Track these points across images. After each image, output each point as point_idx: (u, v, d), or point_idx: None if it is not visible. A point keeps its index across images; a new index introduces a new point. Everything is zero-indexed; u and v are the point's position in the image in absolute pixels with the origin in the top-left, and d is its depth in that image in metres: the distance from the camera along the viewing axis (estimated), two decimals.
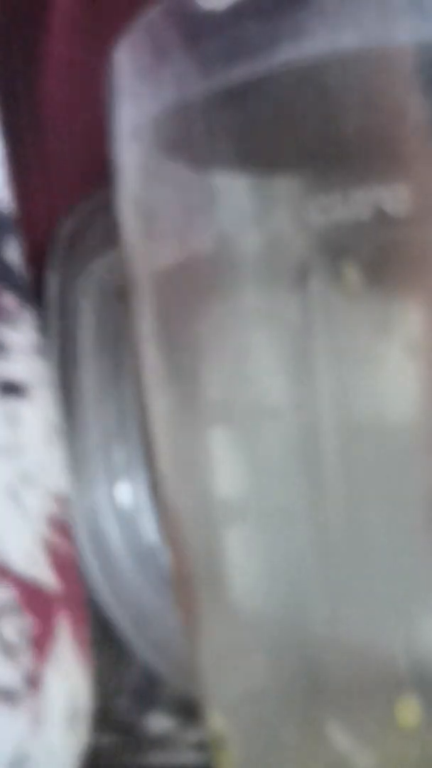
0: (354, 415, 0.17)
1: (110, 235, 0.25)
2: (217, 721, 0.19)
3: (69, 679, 0.22)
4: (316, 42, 0.16)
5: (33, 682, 0.21)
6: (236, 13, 0.17)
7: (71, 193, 0.28)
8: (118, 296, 0.22)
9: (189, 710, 0.28)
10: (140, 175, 0.19)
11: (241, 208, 0.17)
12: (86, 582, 0.27)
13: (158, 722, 0.28)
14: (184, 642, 0.21)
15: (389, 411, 0.17)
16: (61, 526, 0.22)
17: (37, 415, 0.22)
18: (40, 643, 0.21)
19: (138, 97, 0.18)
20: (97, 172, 0.20)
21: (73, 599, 0.23)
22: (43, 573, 0.21)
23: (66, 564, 0.22)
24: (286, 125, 0.17)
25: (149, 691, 0.29)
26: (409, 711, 0.17)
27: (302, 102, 0.16)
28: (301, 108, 0.16)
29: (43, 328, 0.27)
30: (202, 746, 0.26)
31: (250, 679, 0.19)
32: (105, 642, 0.32)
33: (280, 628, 0.18)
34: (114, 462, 0.27)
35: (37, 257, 0.27)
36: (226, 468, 0.18)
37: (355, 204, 0.16)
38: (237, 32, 0.17)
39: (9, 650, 0.20)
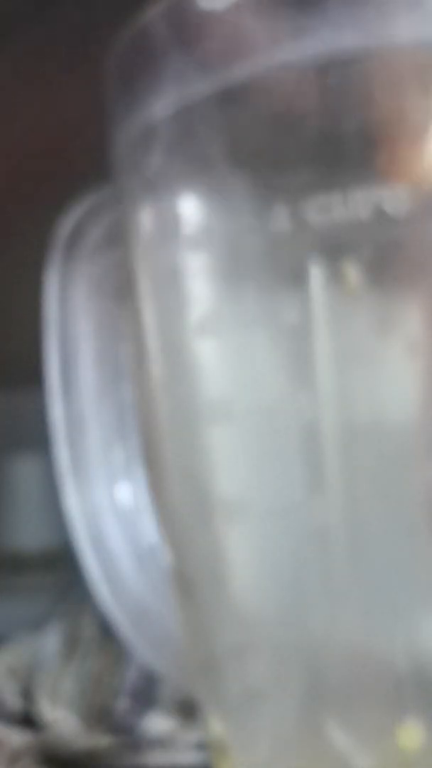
0: (354, 415, 0.17)
1: (110, 235, 0.25)
2: (217, 725, 0.19)
3: None
4: (316, 42, 0.16)
5: None
6: (236, 13, 0.17)
7: None
8: (118, 296, 0.22)
9: (189, 710, 0.28)
10: (140, 174, 0.19)
11: (242, 207, 0.17)
12: (86, 582, 0.26)
13: (158, 722, 0.28)
14: (184, 642, 0.21)
15: (389, 410, 0.17)
16: None
17: None
18: None
19: (137, 97, 0.18)
20: None
21: None
22: None
23: None
24: (286, 125, 0.17)
25: (149, 691, 0.29)
26: (410, 735, 0.17)
27: (302, 102, 0.16)
28: (301, 108, 0.16)
29: (44, 328, 0.27)
30: (202, 746, 0.26)
31: (250, 679, 0.19)
32: (105, 642, 0.32)
33: (280, 628, 0.18)
34: (114, 462, 0.27)
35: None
36: (226, 468, 0.18)
37: (355, 204, 0.16)
38: (237, 32, 0.17)
39: None
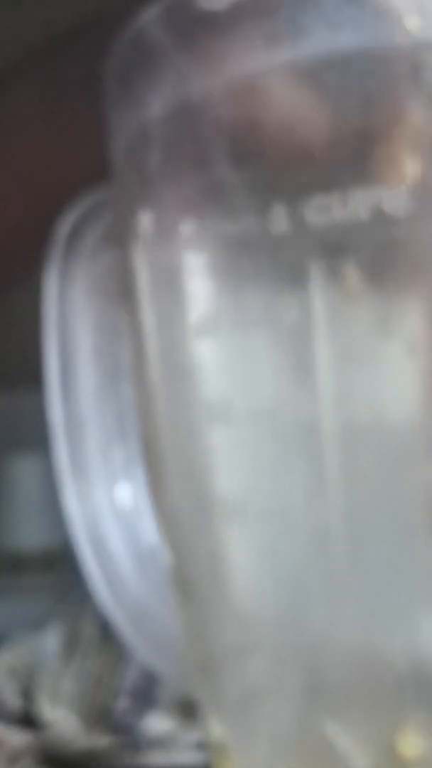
0: (354, 415, 0.17)
1: (110, 235, 0.25)
2: (216, 725, 0.19)
3: None
4: (316, 42, 0.16)
5: None
6: (236, 13, 0.17)
7: None
8: (118, 297, 0.22)
9: (189, 710, 0.28)
10: (140, 174, 0.19)
11: (242, 207, 0.17)
12: (86, 582, 0.26)
13: (158, 722, 0.28)
14: (184, 642, 0.21)
15: (389, 411, 0.17)
16: None
17: None
18: None
19: (137, 96, 0.18)
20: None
21: None
22: None
23: None
24: (285, 125, 0.17)
25: (149, 691, 0.29)
26: (410, 744, 0.17)
27: (302, 102, 0.16)
28: (301, 108, 0.16)
29: (44, 328, 0.27)
30: (202, 746, 0.26)
31: (250, 680, 0.19)
32: (105, 642, 0.32)
33: (280, 629, 0.18)
34: (114, 462, 0.27)
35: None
36: (226, 468, 0.18)
37: (354, 204, 0.16)
38: (236, 32, 0.17)
39: None
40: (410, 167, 0.16)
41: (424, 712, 0.17)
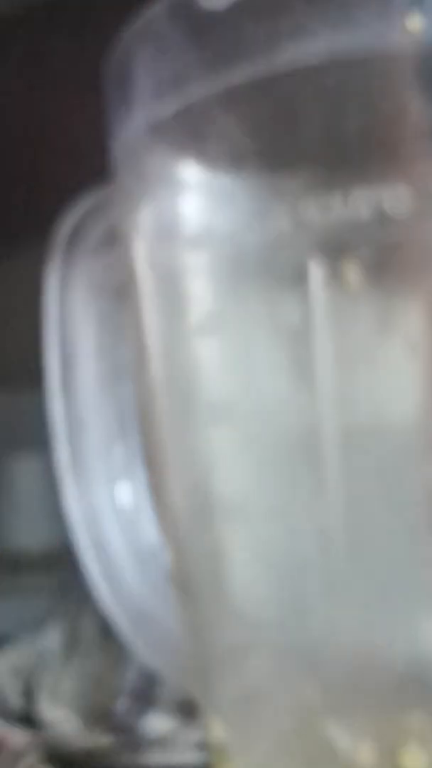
0: (354, 415, 0.17)
1: (110, 235, 0.25)
2: (216, 725, 0.19)
3: None
4: (316, 42, 0.16)
5: None
6: (236, 13, 0.17)
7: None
8: (118, 296, 0.22)
9: (189, 710, 0.28)
10: (140, 174, 0.19)
11: (242, 207, 0.17)
12: (86, 582, 0.27)
13: (158, 722, 0.28)
14: (184, 642, 0.21)
15: (389, 411, 0.17)
16: None
17: None
18: None
19: (138, 97, 0.18)
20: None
21: None
22: None
23: None
24: (286, 125, 0.17)
25: (149, 691, 0.29)
26: (414, 758, 0.17)
27: (303, 102, 0.16)
28: (302, 108, 0.16)
29: (44, 327, 0.27)
30: (202, 746, 0.26)
31: (250, 680, 0.19)
32: (105, 642, 0.32)
33: (280, 629, 0.18)
34: (114, 462, 0.27)
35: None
36: (226, 468, 0.18)
37: (355, 204, 0.16)
38: (237, 32, 0.17)
39: None
40: (410, 167, 0.16)
41: (424, 712, 0.17)
